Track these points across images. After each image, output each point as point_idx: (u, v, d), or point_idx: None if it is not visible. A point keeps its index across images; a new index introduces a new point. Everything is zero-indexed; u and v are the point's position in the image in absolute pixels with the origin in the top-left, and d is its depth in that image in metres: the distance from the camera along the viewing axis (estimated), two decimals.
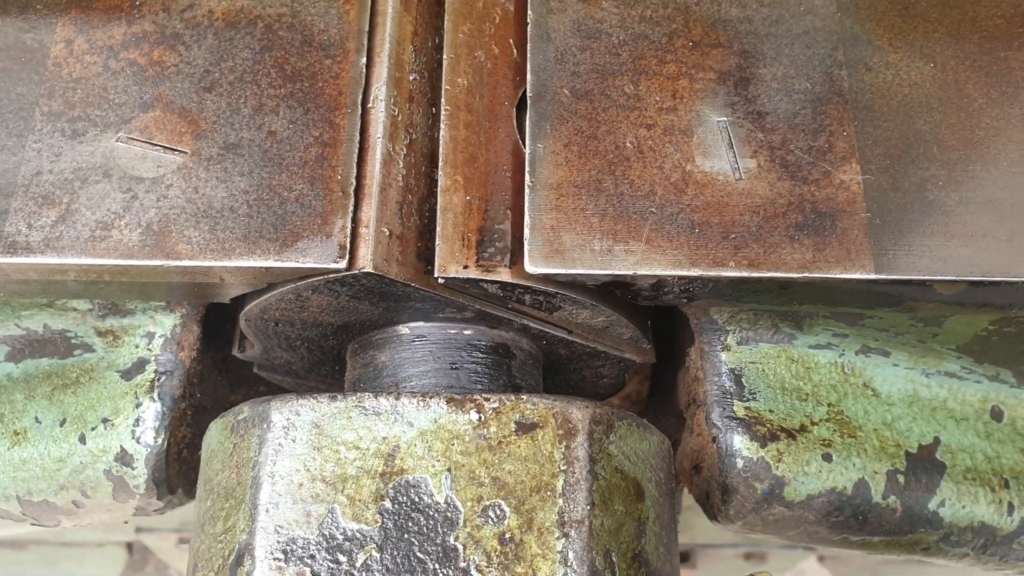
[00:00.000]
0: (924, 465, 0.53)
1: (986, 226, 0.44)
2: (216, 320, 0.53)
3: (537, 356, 0.51)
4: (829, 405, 0.51)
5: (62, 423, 0.51)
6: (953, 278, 0.43)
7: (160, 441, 0.49)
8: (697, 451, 0.52)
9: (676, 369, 0.57)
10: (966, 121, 0.46)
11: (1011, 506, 0.55)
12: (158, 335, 0.50)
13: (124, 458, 0.49)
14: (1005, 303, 0.46)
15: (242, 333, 0.53)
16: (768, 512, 0.50)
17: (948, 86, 0.47)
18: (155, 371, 0.50)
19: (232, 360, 0.55)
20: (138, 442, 0.49)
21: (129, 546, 1.10)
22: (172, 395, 0.49)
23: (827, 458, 0.50)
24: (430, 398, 0.42)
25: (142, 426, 0.49)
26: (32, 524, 0.56)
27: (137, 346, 0.51)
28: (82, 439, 0.50)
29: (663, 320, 0.55)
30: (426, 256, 0.46)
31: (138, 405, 0.49)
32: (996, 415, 0.57)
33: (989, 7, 0.49)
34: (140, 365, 0.50)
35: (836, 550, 0.90)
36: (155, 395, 0.49)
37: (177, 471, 0.51)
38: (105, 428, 0.50)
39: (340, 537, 0.40)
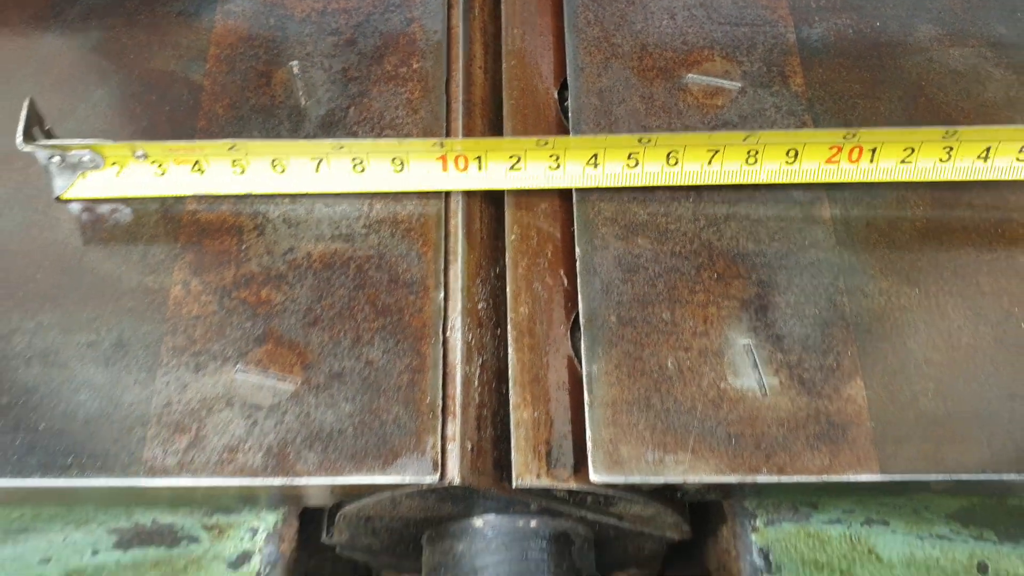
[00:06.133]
0: None
1: (968, 431, 0.53)
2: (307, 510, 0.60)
3: (591, 538, 0.59)
4: (841, 572, 0.59)
5: None
6: (944, 477, 0.52)
7: None
8: None
9: (706, 534, 0.65)
10: (948, 340, 0.56)
11: None
12: (262, 530, 0.58)
13: None
14: (986, 492, 0.54)
15: (329, 520, 0.60)
16: None
17: (931, 309, 0.57)
18: (260, 563, 0.57)
19: (314, 537, 0.62)
20: None
21: None
22: None
23: None
24: None
25: None
26: None
27: (242, 539, 0.58)
28: None
29: None
30: (501, 464, 0.54)
31: None
32: (982, 569, 0.65)
33: (959, 238, 0.59)
34: (246, 557, 0.57)
35: None
36: None
37: None
38: None
39: None
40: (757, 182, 0.59)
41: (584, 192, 0.60)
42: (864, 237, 0.59)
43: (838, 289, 0.57)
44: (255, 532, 0.58)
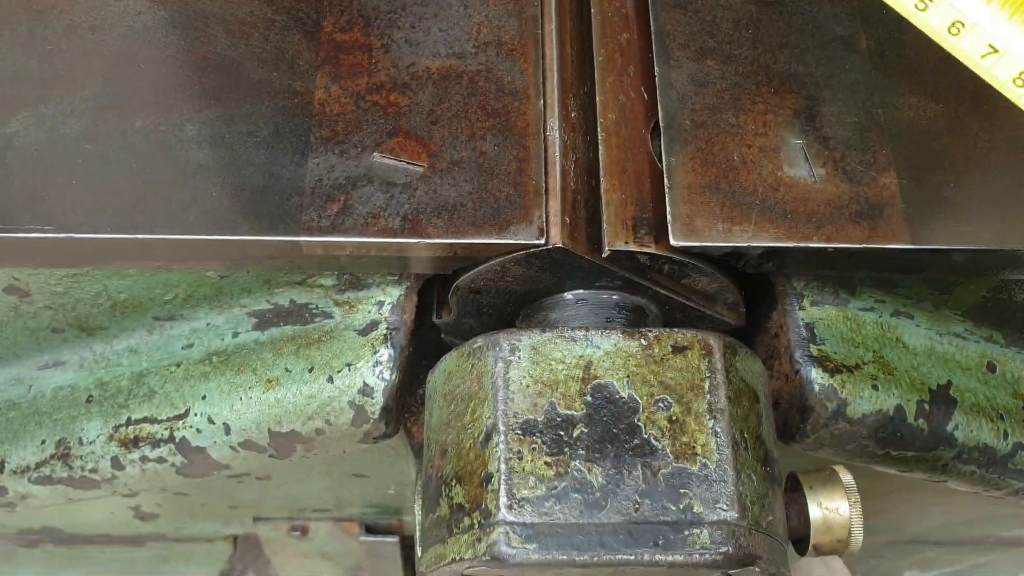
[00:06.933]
0: (942, 399, 0.71)
1: (983, 213, 0.64)
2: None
3: (660, 317, 0.70)
4: (874, 352, 0.70)
5: (310, 370, 0.69)
6: (963, 247, 0.63)
7: (393, 377, 0.67)
8: (776, 391, 0.71)
9: (753, 336, 0.75)
10: (966, 143, 0.66)
11: (1006, 433, 0.74)
12: (387, 303, 0.68)
13: (366, 391, 0.67)
14: (998, 268, 0.65)
15: (438, 306, 0.71)
16: (835, 427, 0.68)
17: (952, 120, 0.67)
18: (387, 328, 0.68)
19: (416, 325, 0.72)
20: (378, 378, 0.67)
21: (235, 541, 1.25)
22: (400, 344, 0.67)
23: (875, 388, 0.68)
24: (610, 330, 0.60)
25: (379, 366, 0.67)
26: (270, 456, 0.72)
27: (370, 311, 0.69)
28: (330, 380, 0.68)
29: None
30: (592, 239, 0.65)
31: (375, 352, 0.67)
32: (991, 368, 0.76)
33: None
34: (373, 325, 0.68)
35: None
36: (388, 344, 0.67)
37: (397, 403, 0.68)
38: (349, 370, 0.67)
39: (559, 419, 0.57)
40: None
41: (660, 23, 0.70)
42: (895, 64, 0.70)
43: (874, 103, 0.68)
44: (381, 305, 0.69)
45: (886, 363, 0.70)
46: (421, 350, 0.73)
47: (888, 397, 0.69)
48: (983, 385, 0.75)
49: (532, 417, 0.58)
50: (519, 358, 0.60)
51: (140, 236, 0.61)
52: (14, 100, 0.66)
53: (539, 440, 0.57)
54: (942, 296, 0.72)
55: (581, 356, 0.60)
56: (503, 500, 0.54)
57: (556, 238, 0.63)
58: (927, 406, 0.71)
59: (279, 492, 1.09)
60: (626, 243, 0.64)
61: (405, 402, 0.74)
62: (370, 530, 1.19)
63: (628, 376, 0.59)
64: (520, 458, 0.57)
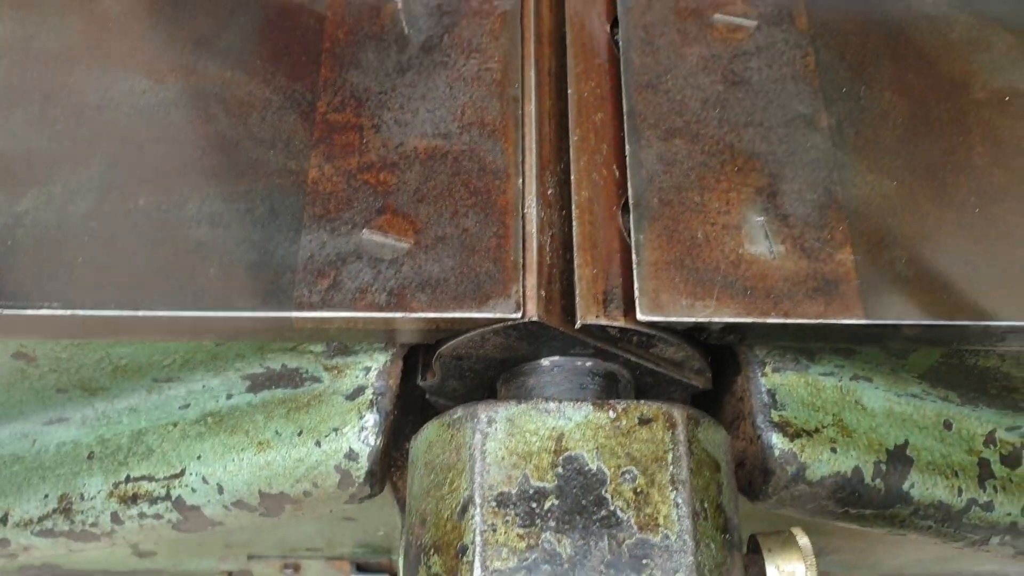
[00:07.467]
0: (899, 459, 0.76)
1: (933, 288, 0.68)
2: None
3: (632, 382, 0.74)
4: (833, 415, 0.74)
5: (299, 434, 0.73)
6: (914, 322, 0.67)
7: (378, 442, 0.71)
8: (741, 452, 0.75)
9: (721, 397, 0.79)
10: (919, 220, 0.71)
11: (960, 489, 0.78)
12: (374, 368, 0.72)
13: (351, 455, 0.71)
14: (949, 339, 0.69)
15: (423, 368, 0.75)
16: (795, 488, 0.72)
17: (906, 197, 0.72)
18: (373, 393, 0.72)
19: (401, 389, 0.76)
20: (363, 443, 0.70)
21: None
22: (385, 409, 0.71)
23: (833, 451, 0.72)
24: (581, 402, 0.64)
25: (365, 431, 0.71)
26: (260, 515, 0.76)
27: (357, 377, 0.73)
28: (317, 444, 0.72)
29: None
30: (566, 310, 0.69)
31: (361, 417, 0.71)
32: (947, 426, 0.80)
33: (928, 144, 0.74)
34: (360, 390, 0.72)
35: None
36: (374, 409, 0.71)
37: (382, 466, 0.72)
38: (336, 435, 0.71)
39: (531, 492, 0.61)
40: None
41: (632, 103, 0.74)
42: (853, 142, 0.74)
43: (833, 181, 0.72)
44: (368, 370, 0.73)
45: (845, 426, 0.74)
46: (407, 407, 0.77)
47: (846, 459, 0.73)
48: (939, 443, 0.79)
49: (506, 489, 0.61)
50: (496, 430, 0.64)
51: (140, 313, 0.65)
52: (25, 179, 0.70)
53: (512, 512, 0.61)
54: (899, 361, 0.76)
55: (553, 428, 0.64)
56: (477, 572, 0.58)
57: (532, 312, 0.67)
58: (884, 466, 0.75)
59: (272, 533, 1.13)
60: (597, 317, 0.68)
61: (391, 458, 0.78)
62: (360, 568, 1.22)
63: (597, 448, 0.63)
64: (494, 531, 0.60)
